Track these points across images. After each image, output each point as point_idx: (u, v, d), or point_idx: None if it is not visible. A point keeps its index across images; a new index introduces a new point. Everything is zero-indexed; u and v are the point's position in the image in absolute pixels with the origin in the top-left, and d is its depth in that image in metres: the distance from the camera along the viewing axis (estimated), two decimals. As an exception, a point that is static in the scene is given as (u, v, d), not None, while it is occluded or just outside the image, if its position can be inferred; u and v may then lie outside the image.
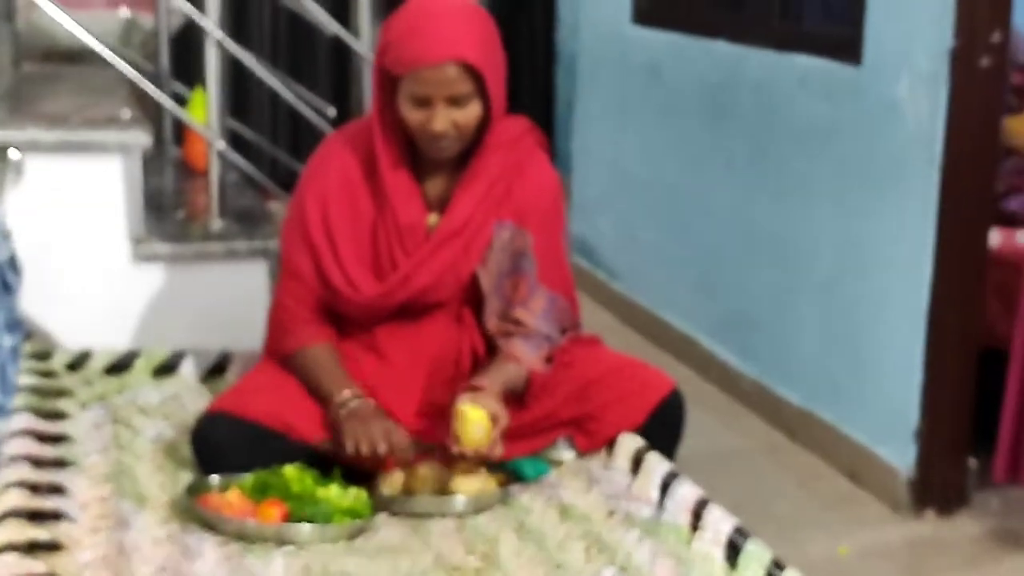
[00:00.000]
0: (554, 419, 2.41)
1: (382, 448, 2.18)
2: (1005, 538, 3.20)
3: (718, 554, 2.01)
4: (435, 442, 2.26)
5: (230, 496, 2.10)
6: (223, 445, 2.24)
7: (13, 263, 2.21)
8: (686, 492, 2.17)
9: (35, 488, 2.06)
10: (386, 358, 2.40)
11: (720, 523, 2.06)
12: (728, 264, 4.19)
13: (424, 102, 2.26)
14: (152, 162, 3.75)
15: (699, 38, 4.36)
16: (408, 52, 2.26)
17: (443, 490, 2.23)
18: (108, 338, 2.82)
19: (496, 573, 1.96)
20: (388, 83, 2.32)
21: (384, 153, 2.36)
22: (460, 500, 2.20)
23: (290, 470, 2.17)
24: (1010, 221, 3.53)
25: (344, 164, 2.40)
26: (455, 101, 2.27)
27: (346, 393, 2.27)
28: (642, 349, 4.48)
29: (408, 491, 2.24)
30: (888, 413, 3.40)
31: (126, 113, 3.04)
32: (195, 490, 2.13)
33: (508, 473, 2.32)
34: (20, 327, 2.27)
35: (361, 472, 2.23)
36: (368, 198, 2.38)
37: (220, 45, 2.99)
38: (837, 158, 3.62)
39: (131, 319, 2.89)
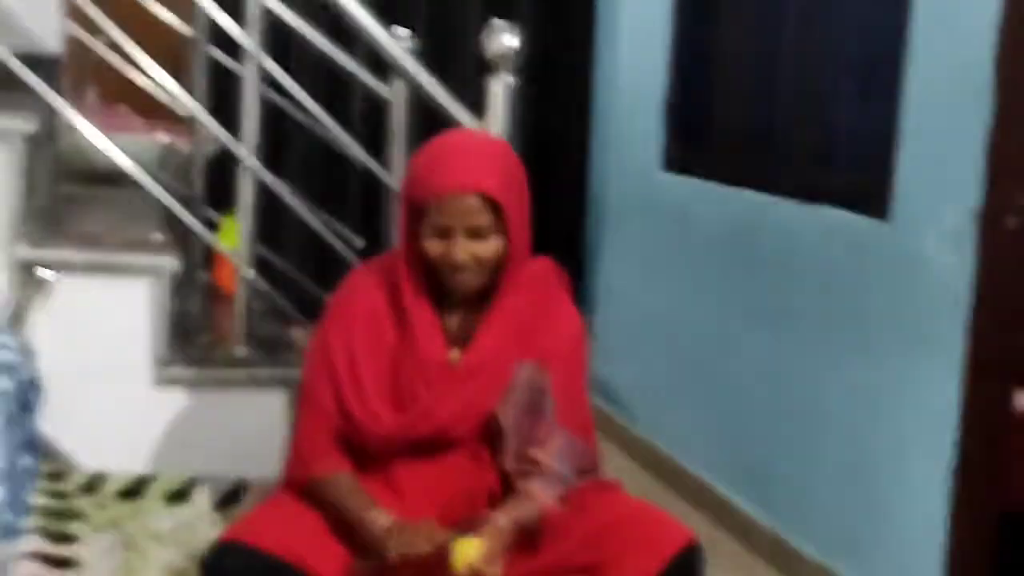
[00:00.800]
0: (566, 565, 2.35)
1: (425, 546, 2.14)
2: None
3: None
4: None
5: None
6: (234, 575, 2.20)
7: (35, 383, 2.19)
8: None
9: (41, 614, 2.02)
10: (401, 494, 2.36)
11: None
12: (749, 413, 4.14)
13: (445, 233, 2.27)
14: (181, 285, 3.77)
15: (726, 186, 4.38)
16: (431, 183, 2.28)
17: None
18: (126, 460, 2.79)
19: None
20: (413, 216, 2.32)
21: (408, 286, 2.35)
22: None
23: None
24: (1033, 381, 3.49)
25: (369, 296, 2.40)
26: (475, 233, 2.27)
27: (379, 517, 2.23)
28: (660, 495, 4.41)
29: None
30: (909, 572, 3.33)
31: (157, 237, 3.05)
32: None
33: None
34: (37, 448, 2.25)
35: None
36: (392, 330, 2.37)
37: (252, 172, 3.01)
38: (862, 311, 3.59)
39: (150, 442, 2.86)
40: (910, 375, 3.38)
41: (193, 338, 3.23)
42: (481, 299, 2.38)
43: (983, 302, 3.19)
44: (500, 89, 2.92)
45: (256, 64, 3.02)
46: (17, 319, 2.47)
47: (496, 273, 2.34)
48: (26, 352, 2.23)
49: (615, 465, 4.57)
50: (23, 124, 2.75)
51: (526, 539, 2.28)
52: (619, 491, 2.52)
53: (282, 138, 5.14)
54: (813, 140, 4.09)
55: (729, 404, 4.25)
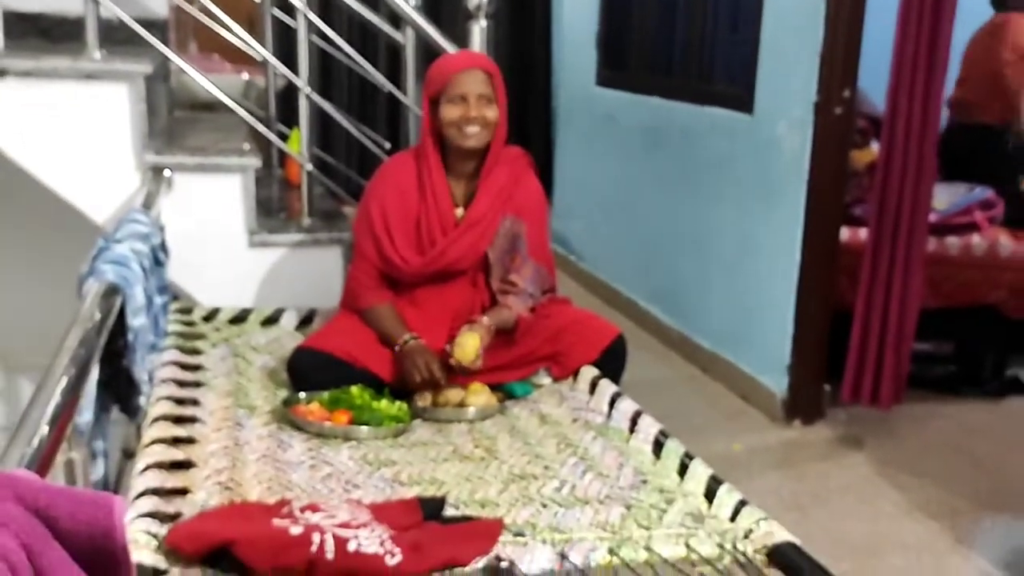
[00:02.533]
0: (536, 355, 2.40)
1: (427, 374, 2.20)
2: (849, 441, 3.20)
3: (647, 448, 2.00)
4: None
5: (312, 407, 2.10)
6: (308, 370, 2.24)
7: (164, 246, 2.19)
8: (626, 407, 2.16)
9: (179, 401, 2.05)
10: (423, 308, 2.39)
11: (649, 428, 2.05)
12: (663, 251, 4.19)
13: (462, 99, 2.27)
14: (263, 179, 3.74)
15: (642, 95, 4.35)
16: (449, 66, 2.32)
17: (461, 404, 2.23)
18: (232, 299, 2.80)
19: (494, 460, 1.95)
20: (433, 110, 2.32)
21: (428, 160, 2.35)
22: (471, 411, 2.19)
23: (355, 389, 2.16)
24: (856, 222, 3.53)
25: (397, 176, 2.40)
26: (484, 98, 2.28)
27: (405, 336, 2.27)
28: (600, 309, 4.48)
29: (436, 405, 2.24)
30: (769, 353, 3.41)
31: (244, 146, 3.02)
32: (288, 403, 2.13)
33: (505, 392, 2.31)
34: (168, 291, 2.26)
35: (407, 391, 2.24)
36: (415, 198, 2.37)
37: (309, 98, 2.97)
38: (737, 178, 3.62)
39: (249, 287, 2.87)
40: (769, 221, 3.42)
41: (274, 215, 3.20)
42: (475, 172, 2.37)
43: (818, 168, 3.22)
44: (478, 31, 2.87)
45: (306, 20, 2.96)
46: (149, 203, 2.46)
47: (487, 152, 2.33)
48: (155, 225, 2.22)
49: (570, 290, 4.64)
50: (143, 67, 2.69)
51: (504, 336, 2.33)
52: (569, 304, 2.55)
53: (330, 74, 5.11)
54: (701, 61, 4.06)
55: (648, 246, 4.29)
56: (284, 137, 3.76)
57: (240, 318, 2.69)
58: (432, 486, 1.80)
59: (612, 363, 2.42)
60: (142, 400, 2.01)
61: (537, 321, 2.38)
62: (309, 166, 3.01)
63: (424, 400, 2.23)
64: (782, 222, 3.33)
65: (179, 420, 1.96)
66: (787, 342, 3.33)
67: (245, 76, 4.28)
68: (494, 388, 2.29)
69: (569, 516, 1.67)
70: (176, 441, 1.85)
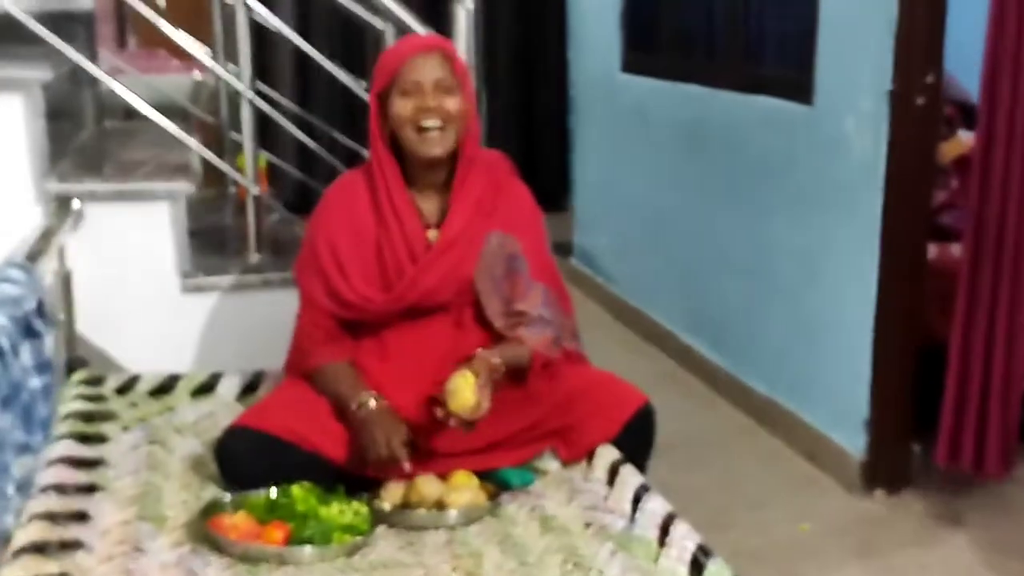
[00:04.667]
0: (540, 430, 2.08)
1: (386, 451, 1.89)
2: (945, 515, 2.85)
3: (683, 572, 1.66)
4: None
5: (238, 518, 1.78)
6: (242, 457, 1.94)
7: (41, 309, 1.90)
8: (656, 507, 1.83)
9: (58, 518, 1.74)
10: (393, 358, 2.08)
11: (685, 540, 1.71)
12: (703, 271, 3.89)
13: (415, 88, 1.99)
14: (213, 204, 3.46)
15: (675, 83, 4.06)
16: (399, 52, 2.07)
17: (439, 503, 1.91)
18: (159, 362, 2.51)
19: (478, 592, 1.63)
20: (382, 107, 2.04)
21: (382, 177, 2.06)
22: (452, 514, 1.87)
23: (297, 490, 1.85)
24: (944, 235, 3.22)
25: (348, 195, 2.11)
26: (442, 87, 2.00)
27: (361, 396, 1.97)
28: (631, 341, 4.20)
29: (407, 503, 1.92)
30: (841, 403, 3.10)
31: (182, 162, 2.74)
32: (209, 511, 1.81)
33: (497, 483, 1.99)
34: (50, 368, 1.96)
35: (369, 481, 1.94)
36: (371, 222, 2.08)
37: (251, 104, 2.67)
38: (793, 184, 3.31)
39: (180, 345, 2.58)
40: (837, 238, 3.13)
41: (223, 250, 2.92)
42: (446, 184, 2.10)
43: (896, 172, 2.92)
44: (464, 15, 2.60)
45: (244, 5, 2.67)
46: (40, 250, 2.16)
47: (455, 159, 2.06)
48: (33, 283, 1.92)
49: (594, 318, 4.35)
50: (40, 73, 2.41)
51: (517, 374, 2.01)
52: (586, 363, 2.24)
53: (308, 75, 4.87)
54: (747, 39, 3.76)
55: (688, 266, 4.01)
56: (240, 147, 3.46)
57: (164, 388, 2.39)
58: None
59: (637, 441, 2.11)
60: (6, 521, 1.70)
61: (543, 384, 2.06)
62: (255, 189, 2.71)
63: (392, 498, 1.92)
64: (853, 238, 3.02)
65: (55, 548, 1.65)
66: (863, 388, 3.00)
67: (196, 75, 4.01)
68: (483, 476, 1.98)
69: None
70: (41, 583, 1.54)
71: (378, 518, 1.86)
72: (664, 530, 1.76)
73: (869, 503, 2.93)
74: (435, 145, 2.01)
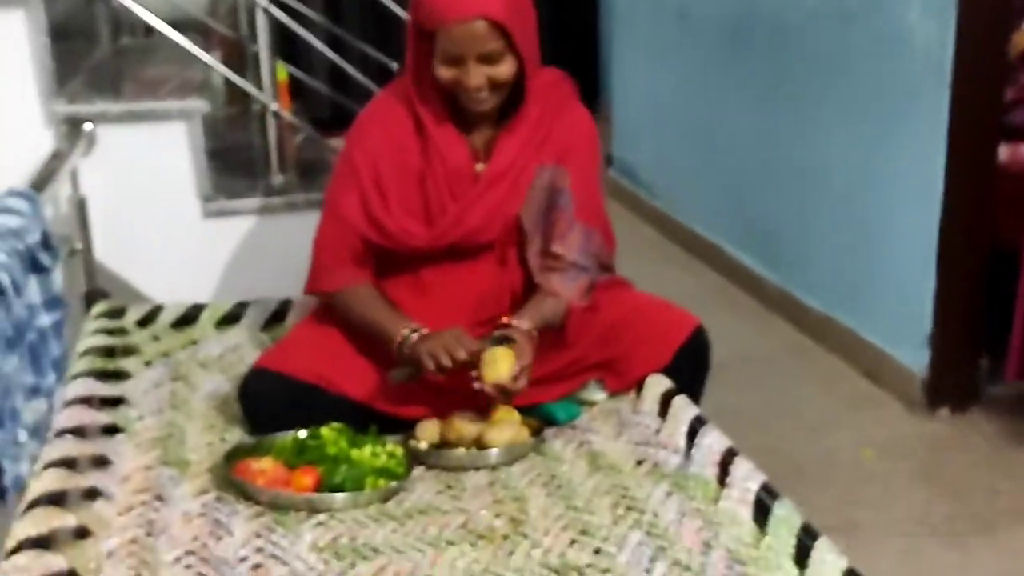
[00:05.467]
0: (584, 363, 1.95)
1: (461, 353, 1.74)
2: (1016, 435, 2.70)
3: (746, 515, 1.54)
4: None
5: (264, 463, 1.67)
6: (266, 401, 1.83)
7: (47, 241, 1.77)
8: (713, 442, 1.70)
9: (75, 464, 1.63)
10: (431, 297, 1.94)
11: (748, 480, 1.58)
12: (752, 181, 3.72)
13: (457, 60, 1.80)
14: (239, 118, 3.32)
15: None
16: (438, 8, 1.79)
17: (479, 442, 1.79)
18: (181, 291, 2.39)
19: (523, 539, 1.52)
20: (424, 40, 1.84)
21: (426, 109, 1.89)
22: (493, 453, 1.76)
23: (327, 431, 1.74)
24: (1016, 133, 3.02)
25: (391, 120, 1.93)
26: (487, 58, 1.80)
27: (405, 329, 1.82)
28: (677, 258, 4.05)
29: (445, 442, 1.80)
30: (902, 317, 2.95)
31: (194, 82, 2.59)
32: (234, 455, 1.71)
33: (541, 418, 1.87)
34: (62, 304, 1.85)
35: (398, 425, 1.81)
36: (416, 151, 1.91)
37: (267, 13, 2.51)
38: (851, 82, 3.12)
39: (202, 273, 2.46)
40: (897, 140, 2.94)
41: (251, 169, 2.78)
42: (500, 114, 1.92)
43: (964, 65, 2.71)
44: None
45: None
46: (47, 176, 2.04)
47: (512, 89, 1.88)
48: (37, 213, 1.79)
49: (637, 234, 4.20)
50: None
51: (552, 332, 1.87)
52: (630, 288, 2.08)
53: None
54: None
55: (736, 175, 3.83)
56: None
57: (188, 319, 2.28)
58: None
59: (690, 368, 1.98)
60: (20, 469, 1.60)
61: (584, 317, 1.92)
62: (274, 105, 2.55)
63: (428, 436, 1.80)
64: (916, 139, 2.85)
65: (73, 498, 1.55)
66: (927, 301, 2.84)
67: (214, -14, 3.82)
68: (526, 412, 1.86)
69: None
70: (54, 540, 1.43)
71: (414, 459, 1.75)
72: (723, 468, 1.63)
73: (933, 423, 2.79)
74: (482, 104, 1.86)
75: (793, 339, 3.31)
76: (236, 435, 1.83)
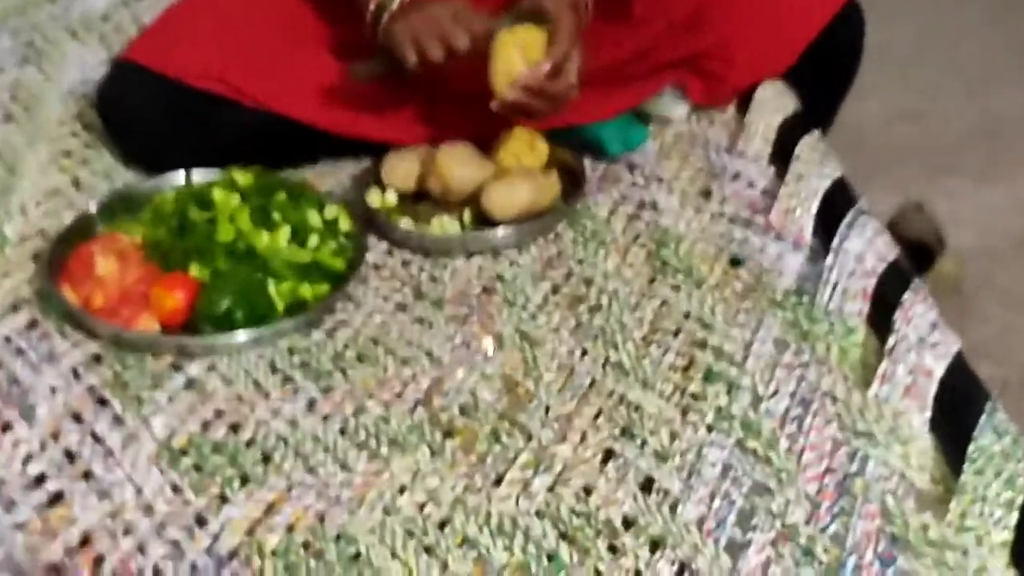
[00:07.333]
0: (656, 59, 1.20)
1: (460, 39, 1.03)
2: None
3: (917, 424, 0.86)
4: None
5: (110, 264, 1.01)
6: (137, 120, 1.16)
7: None
8: (860, 245, 0.98)
9: None
10: None
11: (924, 351, 0.88)
12: None
13: None
14: None
15: None
16: None
17: (475, 196, 1.11)
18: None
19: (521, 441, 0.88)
20: None
21: None
22: (499, 232, 1.09)
23: (220, 194, 1.04)
24: None
25: None
26: None
27: None
28: None
29: (423, 191, 1.13)
30: None
31: None
32: (80, 229, 1.06)
33: (584, 145, 1.18)
34: None
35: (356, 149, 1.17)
36: None
37: None
38: None
39: None
40: None
41: None
42: None
43: None
44: None
45: None
46: None
47: None
48: None
49: None
50: None
51: (607, 9, 1.12)
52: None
53: None
54: None
55: None
56: None
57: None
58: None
59: (830, 73, 1.25)
60: None
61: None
62: None
63: (397, 181, 1.14)
64: None
65: None
66: None
67: None
68: (561, 137, 1.17)
69: None
70: None
71: (369, 229, 1.09)
72: (883, 305, 0.94)
73: None
74: None
75: None
76: (101, 176, 1.17)
